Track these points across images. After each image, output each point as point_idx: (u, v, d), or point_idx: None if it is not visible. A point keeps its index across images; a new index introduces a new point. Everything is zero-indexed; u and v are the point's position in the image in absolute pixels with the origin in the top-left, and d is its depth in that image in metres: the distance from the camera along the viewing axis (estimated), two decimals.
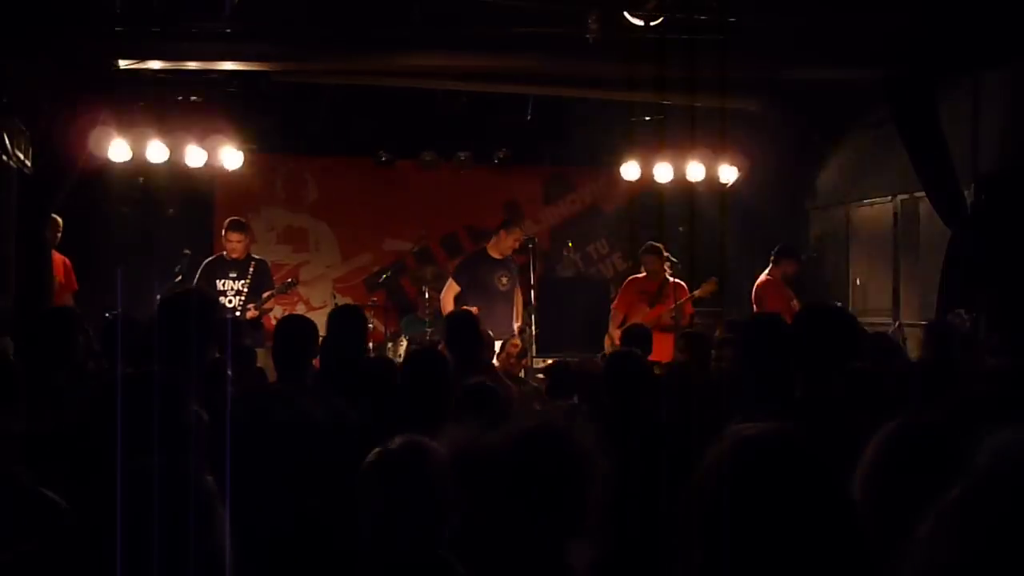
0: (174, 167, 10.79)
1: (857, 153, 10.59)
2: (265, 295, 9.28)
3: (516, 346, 8.37)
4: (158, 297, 8.44)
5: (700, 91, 10.15)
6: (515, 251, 9.28)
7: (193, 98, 10.13)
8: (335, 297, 11.49)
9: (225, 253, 9.37)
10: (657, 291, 9.67)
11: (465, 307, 8.06)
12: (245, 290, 9.21)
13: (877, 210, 10.54)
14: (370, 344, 10.13)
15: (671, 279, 9.74)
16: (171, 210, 10.94)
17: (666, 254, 9.99)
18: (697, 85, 9.90)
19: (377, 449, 2.43)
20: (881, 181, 10.26)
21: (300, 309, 11.80)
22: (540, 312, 9.76)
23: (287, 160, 11.97)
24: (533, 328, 9.61)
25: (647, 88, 10.23)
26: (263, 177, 11.88)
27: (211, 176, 11.32)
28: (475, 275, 9.37)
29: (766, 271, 9.58)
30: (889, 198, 10.21)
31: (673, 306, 9.37)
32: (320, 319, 10.72)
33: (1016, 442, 1.42)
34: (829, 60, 8.91)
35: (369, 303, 10.92)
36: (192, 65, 9.52)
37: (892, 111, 9.07)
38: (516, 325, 9.27)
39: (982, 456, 1.42)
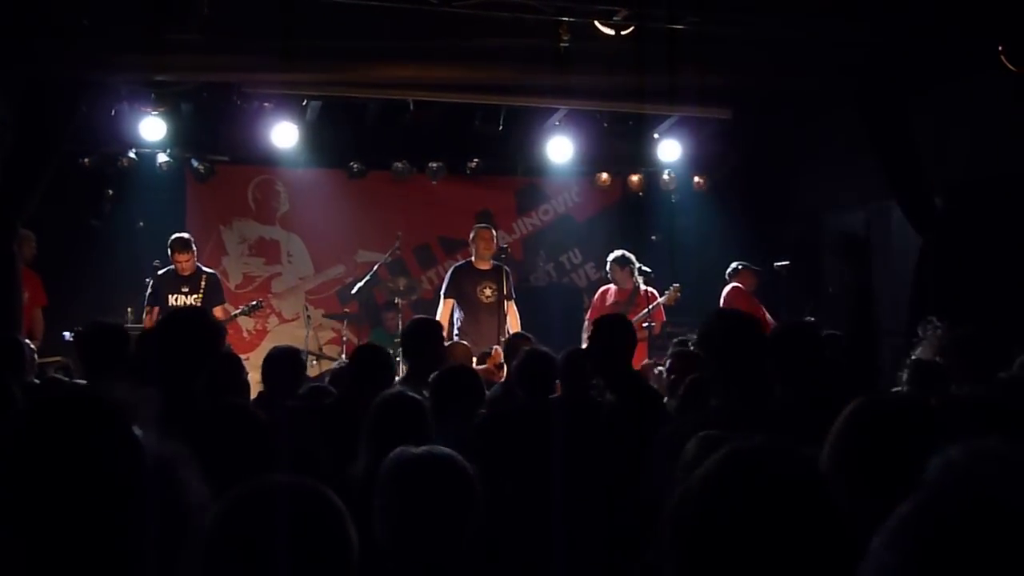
0: (144, 179, 10.76)
1: (829, 161, 10.67)
2: (221, 316, 9.33)
3: (497, 354, 8.37)
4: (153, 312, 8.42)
5: (673, 100, 10.28)
6: (496, 255, 9.19)
7: (160, 109, 10.04)
8: (307, 309, 11.49)
9: (175, 268, 9.39)
10: (628, 300, 9.74)
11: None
12: (198, 304, 9.19)
13: (849, 217, 10.63)
14: (343, 356, 10.18)
15: (643, 287, 9.79)
16: (140, 223, 10.86)
17: (638, 264, 10.04)
18: (670, 94, 10.02)
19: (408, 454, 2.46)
20: (853, 189, 10.34)
21: (273, 321, 11.78)
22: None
23: (258, 172, 11.91)
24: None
25: (620, 98, 10.29)
26: (234, 189, 11.87)
27: (181, 188, 11.31)
28: (459, 287, 9.38)
29: (730, 284, 9.74)
30: (861, 206, 10.32)
31: (642, 313, 9.40)
32: (293, 332, 10.79)
33: (965, 459, 1.46)
34: (802, 70, 8.99)
35: (342, 314, 10.89)
36: (165, 77, 9.48)
37: (864, 120, 9.14)
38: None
39: (932, 471, 1.45)
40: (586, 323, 9.78)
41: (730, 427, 2.78)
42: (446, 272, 10.34)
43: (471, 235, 9.66)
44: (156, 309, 9.22)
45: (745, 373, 3.63)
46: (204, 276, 9.45)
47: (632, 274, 9.79)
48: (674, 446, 2.72)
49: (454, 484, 2.40)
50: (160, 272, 9.47)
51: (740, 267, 9.95)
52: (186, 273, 9.36)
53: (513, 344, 6.71)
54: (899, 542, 1.18)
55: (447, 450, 2.49)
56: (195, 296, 9.27)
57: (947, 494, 1.21)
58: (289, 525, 1.62)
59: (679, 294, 9.75)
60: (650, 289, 9.83)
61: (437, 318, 9.13)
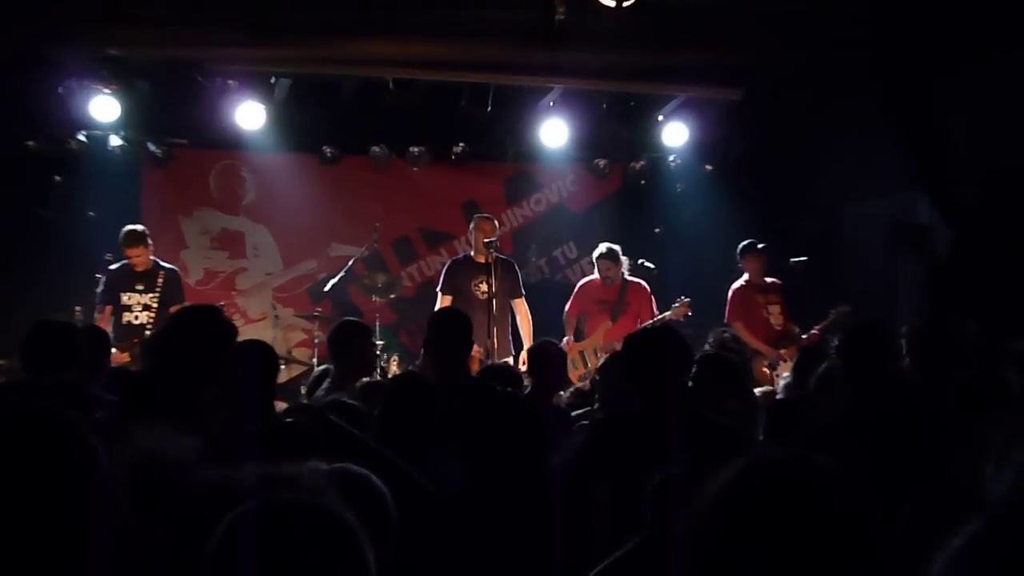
0: (95, 164, 10.72)
1: (848, 147, 10.67)
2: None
3: (477, 353, 8.37)
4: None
5: (678, 79, 10.29)
6: (491, 250, 9.16)
7: (112, 87, 10.01)
8: (275, 308, 11.46)
9: (129, 264, 9.32)
10: (618, 299, 9.72)
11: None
12: (155, 304, 9.16)
13: (872, 209, 10.68)
14: (315, 359, 10.17)
15: (629, 279, 9.80)
16: (91, 212, 10.82)
17: (641, 260, 10.03)
18: (674, 72, 10.03)
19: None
20: (874, 177, 10.37)
21: (237, 321, 11.71)
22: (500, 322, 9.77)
23: (221, 156, 11.86)
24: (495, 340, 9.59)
25: (620, 76, 10.30)
26: (195, 175, 11.81)
27: (136, 174, 11.27)
28: (455, 282, 9.36)
29: (734, 285, 9.84)
30: (883, 196, 10.37)
31: (655, 320, 9.41)
32: (259, 332, 10.78)
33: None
34: (817, 45, 8.98)
35: (314, 314, 10.87)
36: (119, 51, 9.46)
37: (886, 101, 9.14)
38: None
39: (1000, 487, 1.49)
40: (566, 316, 9.82)
41: None
42: (428, 267, 10.34)
43: (470, 225, 9.65)
44: (109, 308, 9.16)
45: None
46: (162, 272, 9.34)
47: (622, 268, 9.77)
48: None
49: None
50: (113, 267, 9.39)
51: (740, 250, 9.89)
52: (141, 269, 9.24)
53: (543, 352, 6.54)
54: (970, 564, 1.19)
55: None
56: (151, 295, 9.16)
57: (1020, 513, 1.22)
58: (298, 546, 1.64)
59: (689, 311, 9.55)
60: (638, 280, 9.84)
61: None
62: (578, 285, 10.12)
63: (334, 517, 1.70)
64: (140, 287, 9.23)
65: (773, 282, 9.89)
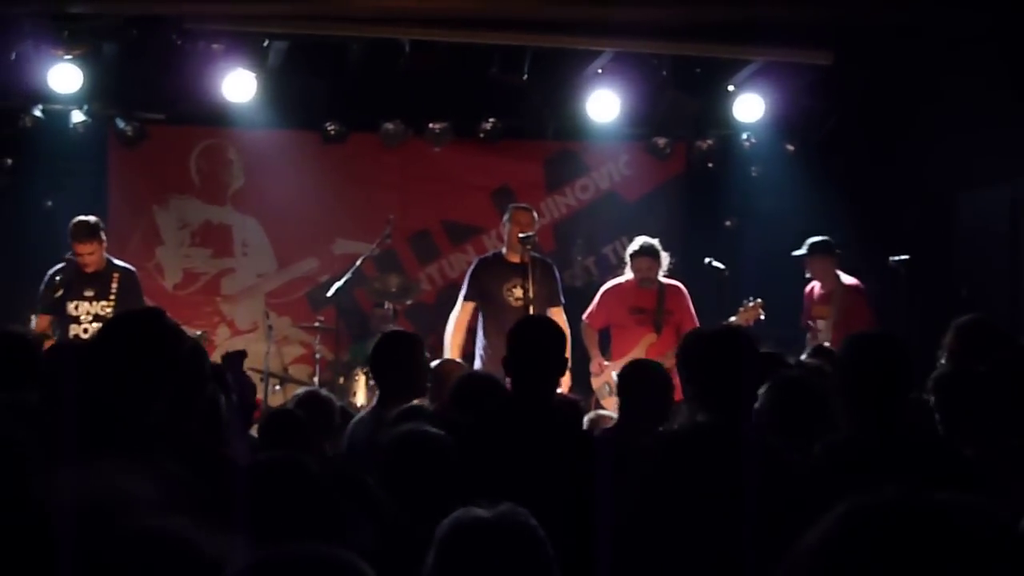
0: (53, 144, 10.62)
1: (962, 123, 10.44)
2: None
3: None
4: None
5: (754, 40, 10.11)
6: (528, 247, 8.93)
7: (75, 52, 9.89)
8: (269, 317, 11.33)
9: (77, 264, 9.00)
10: (658, 306, 9.50)
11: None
12: (107, 314, 8.80)
13: (990, 197, 10.46)
14: (316, 378, 10.01)
15: (665, 280, 9.64)
16: (49, 202, 10.72)
17: (709, 260, 9.83)
18: (750, 31, 9.86)
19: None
20: (994, 158, 10.10)
21: (223, 333, 11.66)
22: None
23: (204, 133, 11.76)
24: None
25: (683, 37, 10.12)
26: (172, 157, 11.77)
27: (102, 156, 11.17)
28: (482, 285, 9.24)
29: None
30: (1005, 181, 10.18)
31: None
32: (250, 346, 10.64)
33: (869, 505, 1.61)
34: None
35: (315, 324, 10.71)
36: (82, 8, 9.34)
37: (1010, 66, 8.97)
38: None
39: (838, 509, 1.62)
40: (586, 327, 9.68)
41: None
42: (451, 268, 10.17)
43: (504, 217, 9.44)
44: (47, 318, 8.94)
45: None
46: (117, 274, 9.05)
47: (659, 272, 9.58)
48: None
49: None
50: (56, 268, 9.08)
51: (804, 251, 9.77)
52: (91, 270, 8.94)
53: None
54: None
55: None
56: (104, 302, 8.86)
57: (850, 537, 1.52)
58: None
59: (761, 312, 9.34)
60: (675, 283, 9.70)
61: (451, 324, 9.00)
62: (603, 289, 9.91)
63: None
64: (90, 292, 8.93)
65: (842, 287, 9.71)
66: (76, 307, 8.90)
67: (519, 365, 4.88)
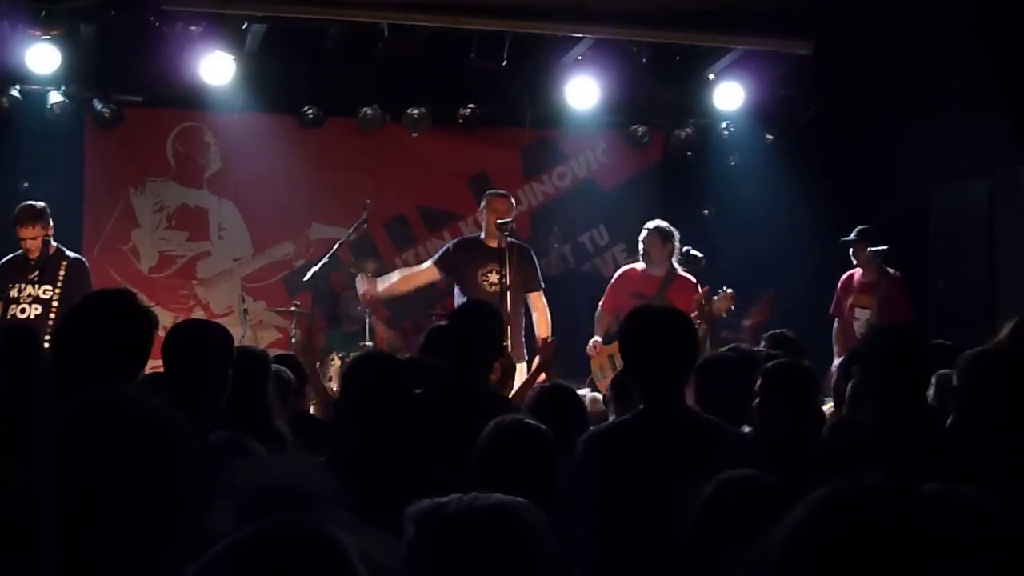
0: (30, 125, 10.56)
1: (940, 114, 10.48)
2: None
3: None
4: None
5: (735, 27, 10.12)
6: (505, 233, 8.88)
7: (52, 33, 9.83)
8: (244, 300, 11.30)
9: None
10: (658, 293, 9.37)
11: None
12: (51, 299, 8.69)
13: (967, 189, 10.48)
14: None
15: (679, 272, 9.52)
16: (25, 183, 10.65)
17: (687, 248, 9.80)
18: (730, 18, 9.85)
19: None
20: (972, 150, 10.14)
21: (199, 315, 11.56)
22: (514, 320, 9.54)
23: (181, 116, 11.68)
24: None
25: (663, 24, 10.12)
26: (149, 140, 11.66)
27: (79, 138, 11.11)
28: (456, 265, 9.15)
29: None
30: (983, 173, 10.19)
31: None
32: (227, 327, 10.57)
33: (835, 496, 1.62)
34: None
35: (291, 308, 10.69)
36: None
37: (988, 57, 8.97)
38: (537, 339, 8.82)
39: (817, 493, 1.63)
40: (599, 312, 9.61)
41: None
42: (427, 253, 10.15)
43: (481, 204, 9.38)
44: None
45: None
46: (65, 263, 8.86)
47: (672, 255, 9.52)
48: None
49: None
50: (9, 256, 8.95)
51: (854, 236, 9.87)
52: (35, 255, 8.74)
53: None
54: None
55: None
56: (47, 285, 8.68)
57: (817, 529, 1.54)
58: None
59: (733, 304, 9.17)
60: (690, 277, 9.54)
61: (407, 270, 9.20)
62: (617, 273, 9.93)
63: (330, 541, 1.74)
64: (33, 276, 8.73)
65: (887, 277, 9.75)
66: (18, 290, 8.71)
67: (455, 349, 5.19)
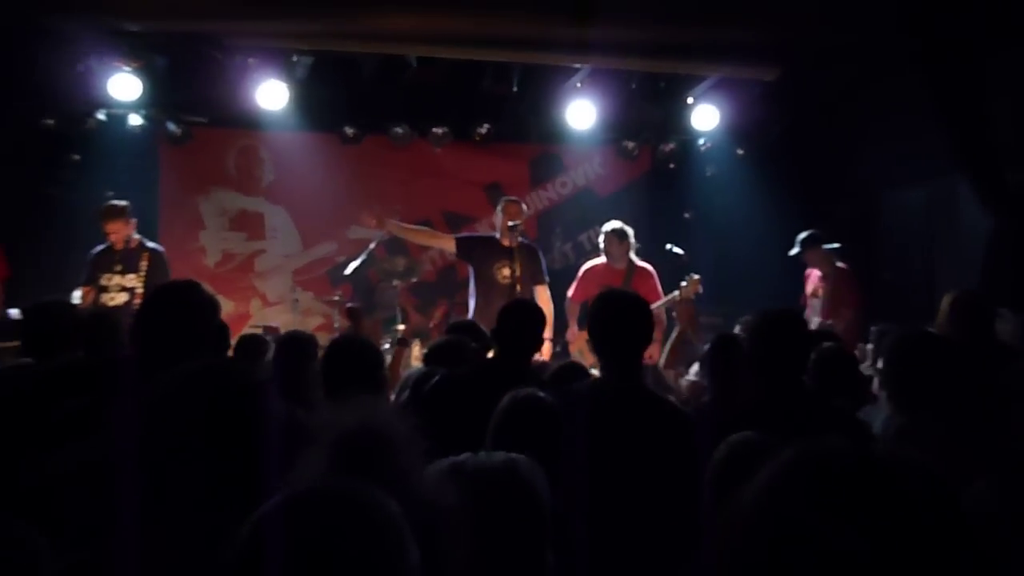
0: (113, 143, 10.67)
1: (889, 131, 10.46)
2: None
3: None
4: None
5: (712, 57, 10.14)
6: (515, 234, 8.97)
7: (133, 65, 9.92)
8: (295, 291, 11.44)
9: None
10: (623, 285, 9.32)
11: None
12: (137, 287, 8.77)
13: (911, 195, 10.53)
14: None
15: (637, 263, 9.53)
16: (109, 192, 10.75)
17: (670, 246, 9.86)
18: (708, 50, 9.88)
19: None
20: (914, 162, 10.09)
21: (255, 304, 11.71)
22: None
23: (240, 135, 11.85)
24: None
25: (650, 54, 10.16)
26: (213, 154, 11.84)
27: (154, 153, 11.23)
28: (475, 253, 9.15)
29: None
30: (922, 182, 10.16)
31: (663, 301, 9.20)
32: (278, 316, 10.73)
33: (815, 452, 1.45)
34: (858, 20, 8.79)
35: (334, 298, 10.81)
36: (132, 26, 9.37)
37: (930, 83, 8.91)
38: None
39: (783, 456, 1.47)
40: (568, 302, 9.60)
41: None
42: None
43: (496, 208, 9.40)
44: (90, 290, 8.81)
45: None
46: (146, 253, 8.93)
47: (628, 251, 9.60)
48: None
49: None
50: (98, 249, 9.02)
51: (798, 248, 9.75)
52: (119, 247, 8.83)
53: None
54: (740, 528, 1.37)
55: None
56: (132, 275, 8.78)
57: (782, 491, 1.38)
58: (328, 542, 1.53)
59: (700, 288, 9.11)
60: (646, 266, 9.55)
61: (423, 228, 9.66)
62: (583, 269, 9.82)
63: (371, 509, 1.60)
64: (119, 267, 8.83)
65: (835, 271, 9.72)
66: (108, 279, 8.79)
67: (502, 337, 5.08)
